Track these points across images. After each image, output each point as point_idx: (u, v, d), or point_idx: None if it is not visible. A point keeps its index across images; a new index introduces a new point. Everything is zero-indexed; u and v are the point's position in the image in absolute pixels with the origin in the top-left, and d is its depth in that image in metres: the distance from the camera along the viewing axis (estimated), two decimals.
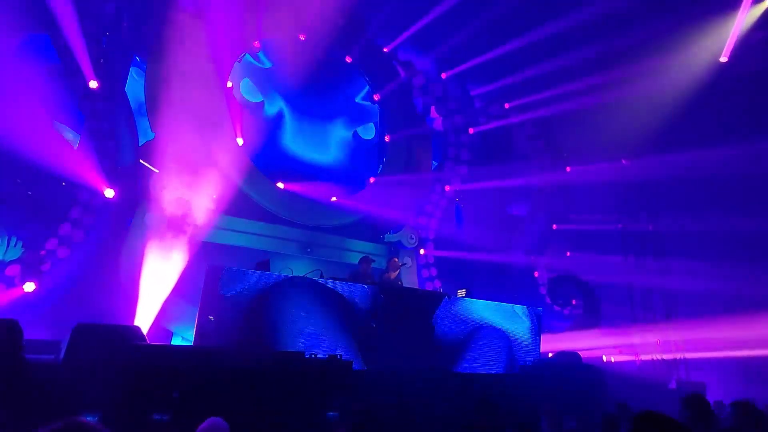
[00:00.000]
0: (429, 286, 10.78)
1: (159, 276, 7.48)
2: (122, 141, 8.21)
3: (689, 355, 10.18)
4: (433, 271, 11.15)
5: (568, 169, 12.40)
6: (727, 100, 9.84)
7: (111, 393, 3.66)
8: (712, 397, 7.56)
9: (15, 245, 6.75)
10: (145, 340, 4.49)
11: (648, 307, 10.99)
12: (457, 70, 11.96)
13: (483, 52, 11.36)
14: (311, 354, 4.96)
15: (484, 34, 10.85)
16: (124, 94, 8.49)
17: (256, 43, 9.86)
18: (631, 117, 10.20)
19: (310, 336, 5.29)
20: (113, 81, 8.19)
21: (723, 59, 9.33)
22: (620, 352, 10.11)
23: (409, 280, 10.62)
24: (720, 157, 9.32)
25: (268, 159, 9.62)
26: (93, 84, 7.75)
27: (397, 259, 7.79)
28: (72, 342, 3.87)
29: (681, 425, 1.76)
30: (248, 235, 9.16)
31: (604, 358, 9.67)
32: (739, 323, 9.13)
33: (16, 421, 2.24)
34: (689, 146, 9.82)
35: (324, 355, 5.08)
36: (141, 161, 8.32)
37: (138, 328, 4.53)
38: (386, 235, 10.96)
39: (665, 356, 10.16)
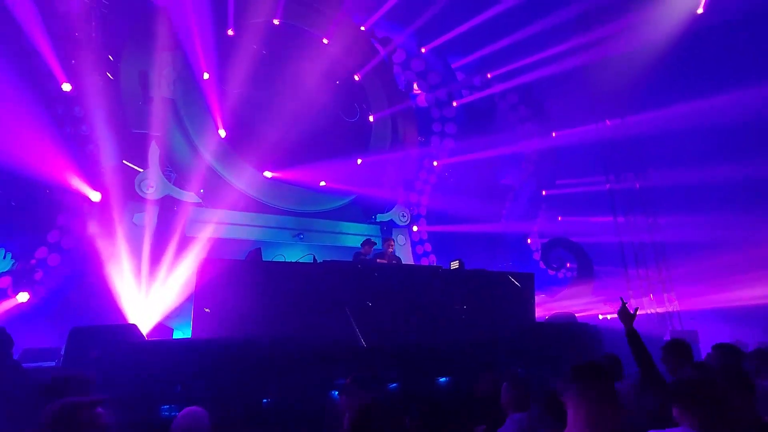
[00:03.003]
0: (424, 262, 10.88)
1: (154, 274, 7.51)
2: (103, 143, 8.09)
3: (682, 307, 10.40)
4: (428, 247, 11.24)
5: (553, 134, 12.40)
6: (706, 51, 9.81)
7: (112, 392, 3.71)
8: (705, 343, 7.77)
9: (4, 257, 6.71)
10: (142, 337, 4.53)
11: (640, 263, 11.17)
12: (436, 42, 11.81)
13: (461, 22, 11.21)
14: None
15: (461, 3, 10.69)
16: (101, 94, 8.32)
17: (230, 32, 9.67)
18: (612, 76, 10.17)
19: (307, 319, 5.35)
20: (87, 82, 8.02)
21: (699, 11, 9.28)
22: (615, 310, 10.29)
23: (404, 257, 10.70)
24: (702, 109, 9.35)
25: (252, 147, 9.50)
26: (66, 87, 7.60)
27: (392, 240, 7.91)
28: (69, 346, 3.90)
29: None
30: (239, 226, 9.15)
31: (600, 317, 9.86)
32: (730, 272, 9.31)
33: (15, 424, 2.29)
34: (671, 100, 9.84)
35: (322, 337, 5.15)
36: (124, 161, 8.23)
37: (135, 326, 4.56)
38: (378, 215, 10.99)
39: (659, 310, 10.38)
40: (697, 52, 9.69)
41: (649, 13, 9.43)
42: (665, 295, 10.53)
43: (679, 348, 3.24)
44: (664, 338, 8.65)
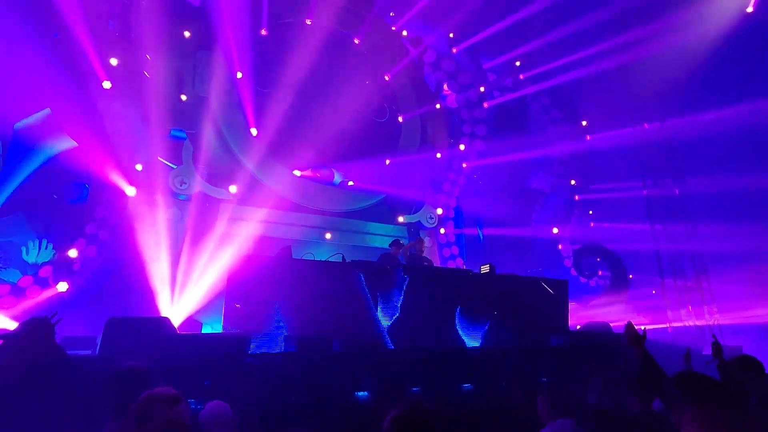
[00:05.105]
0: (451, 265, 10.73)
1: (186, 269, 7.64)
2: (140, 138, 8.31)
3: (723, 320, 9.91)
4: (455, 250, 11.09)
5: (587, 137, 12.04)
6: (754, 52, 9.33)
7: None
8: None
9: (46, 247, 6.96)
10: (175, 330, 4.59)
11: (678, 273, 10.71)
12: (468, 43, 11.66)
13: (493, 22, 11.04)
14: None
15: (493, 3, 10.53)
16: (138, 91, 8.55)
17: (263, 31, 9.79)
18: (652, 77, 9.79)
19: (336, 318, 5.32)
20: (126, 79, 8.24)
21: (749, 9, 8.84)
22: (651, 321, 9.92)
23: (431, 260, 10.58)
24: (748, 112, 8.90)
25: (282, 146, 9.59)
26: (106, 84, 7.82)
27: (421, 237, 7.83)
28: (105, 336, 3.98)
29: (719, 383, 1.66)
30: (269, 224, 9.23)
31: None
32: None
33: (58, 411, 2.32)
34: (715, 103, 9.40)
35: (350, 336, 5.12)
36: (159, 158, 8.42)
37: (168, 320, 4.63)
38: (406, 216, 10.92)
39: (698, 322, 9.92)
40: (745, 52, 9.23)
41: (694, 12, 9.03)
42: (705, 307, 10.06)
43: (752, 364, 3.04)
44: (703, 352, 8.26)
